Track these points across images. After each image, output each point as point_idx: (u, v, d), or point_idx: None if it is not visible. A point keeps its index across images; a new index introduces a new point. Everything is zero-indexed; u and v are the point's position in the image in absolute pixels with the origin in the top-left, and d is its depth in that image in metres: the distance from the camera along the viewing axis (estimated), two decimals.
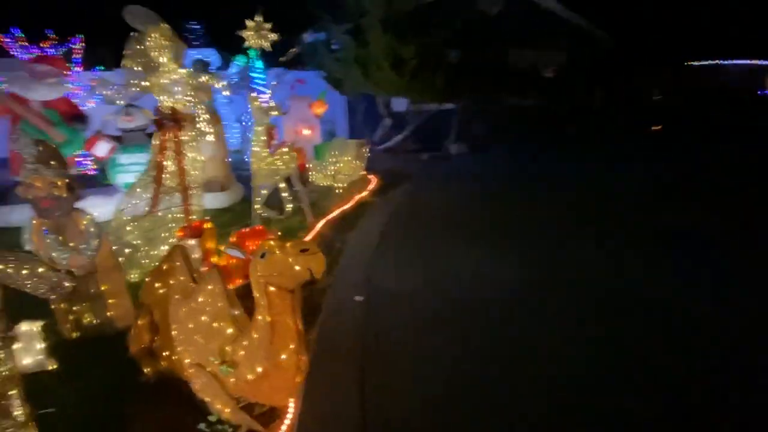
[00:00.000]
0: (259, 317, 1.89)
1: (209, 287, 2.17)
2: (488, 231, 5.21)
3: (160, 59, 3.35)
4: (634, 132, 12.00)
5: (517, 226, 5.36)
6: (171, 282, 2.33)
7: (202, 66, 5.91)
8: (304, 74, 10.72)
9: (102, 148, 5.44)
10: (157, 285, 2.40)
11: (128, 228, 3.66)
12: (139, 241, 3.82)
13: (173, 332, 2.26)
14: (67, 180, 2.63)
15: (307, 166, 5.99)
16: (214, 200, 5.94)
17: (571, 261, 4.26)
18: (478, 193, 7.25)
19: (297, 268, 1.75)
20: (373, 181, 7.52)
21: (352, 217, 5.67)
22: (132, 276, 3.54)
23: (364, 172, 7.31)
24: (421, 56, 8.88)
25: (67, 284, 1.83)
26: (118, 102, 4.69)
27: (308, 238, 4.78)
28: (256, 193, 4.85)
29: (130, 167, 5.59)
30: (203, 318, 2.17)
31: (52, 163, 2.57)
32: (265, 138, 4.57)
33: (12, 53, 7.35)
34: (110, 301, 2.90)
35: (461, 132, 10.78)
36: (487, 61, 9.59)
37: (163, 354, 2.37)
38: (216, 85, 3.61)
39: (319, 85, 10.38)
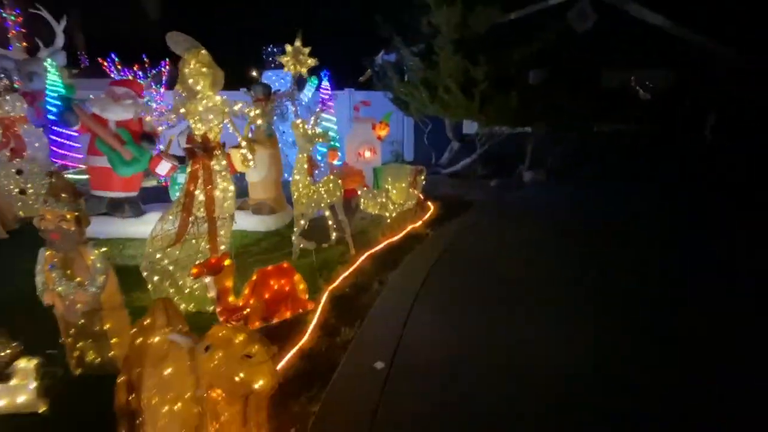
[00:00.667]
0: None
1: (177, 362, 1.84)
2: (559, 286, 4.35)
3: (197, 86, 3.24)
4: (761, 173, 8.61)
5: (599, 283, 4.40)
6: (148, 342, 2.05)
7: (263, 90, 5.91)
8: (369, 95, 10.63)
9: (163, 167, 5.62)
10: (137, 341, 2.14)
11: (158, 255, 3.57)
12: (172, 268, 3.73)
13: (142, 401, 1.96)
14: (76, 213, 2.52)
15: (358, 192, 5.66)
16: (261, 223, 5.89)
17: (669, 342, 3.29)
18: (550, 231, 6.30)
19: (237, 378, 1.31)
20: (431, 210, 6.99)
21: (399, 252, 5.18)
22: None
23: (422, 199, 6.82)
24: (495, 77, 8.21)
25: None
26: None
27: (347, 272, 4.40)
28: (297, 222, 4.61)
29: None
30: (168, 396, 1.84)
31: (63, 195, 2.48)
32: (308, 166, 4.31)
33: (111, 75, 8.19)
34: (113, 340, 2.74)
35: (538, 158, 9.79)
36: (574, 81, 8.58)
37: (138, 419, 2.10)
38: (250, 115, 3.43)
39: (385, 107, 10.18)
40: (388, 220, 5.75)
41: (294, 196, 4.41)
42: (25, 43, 9.20)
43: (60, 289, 2.53)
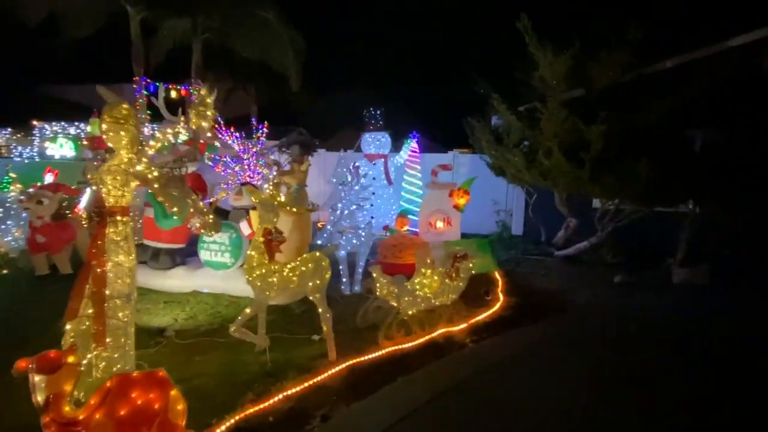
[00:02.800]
0: None
1: None
2: None
3: (109, 143, 2.85)
4: None
5: None
6: None
7: (300, 150, 5.49)
8: (447, 158, 9.39)
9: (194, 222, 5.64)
10: None
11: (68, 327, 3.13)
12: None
13: None
14: None
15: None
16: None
17: None
18: (692, 386, 3.79)
19: None
20: (494, 308, 5.21)
21: (394, 369, 3.72)
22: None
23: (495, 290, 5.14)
24: (620, 138, 6.09)
25: None
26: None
27: (281, 394, 3.20)
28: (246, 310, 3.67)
29: (211, 245, 5.56)
30: None
31: None
32: (265, 241, 3.45)
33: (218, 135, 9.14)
34: None
35: (696, 249, 6.77)
36: (752, 143, 5.72)
37: None
38: (149, 177, 2.84)
39: (472, 172, 8.80)
40: (402, 316, 4.34)
41: (245, 276, 3.57)
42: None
43: None
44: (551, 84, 6.69)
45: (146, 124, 12.62)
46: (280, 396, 3.22)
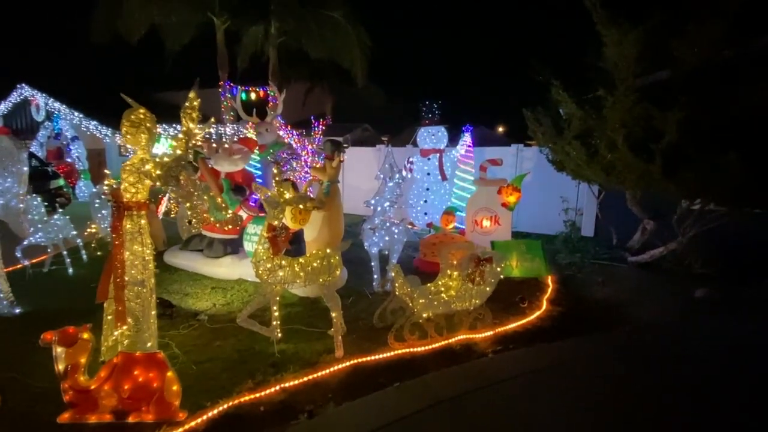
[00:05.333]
0: None
1: None
2: None
3: (127, 145, 3.17)
4: None
5: None
6: None
7: (331, 147, 5.52)
8: (500, 153, 8.62)
9: (240, 217, 6.07)
10: None
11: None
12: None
13: None
14: None
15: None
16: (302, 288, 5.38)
17: None
18: None
19: None
20: (530, 317, 4.77)
21: (397, 372, 3.59)
22: None
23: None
24: (698, 128, 5.12)
25: None
26: None
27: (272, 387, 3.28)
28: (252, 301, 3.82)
29: (253, 237, 5.91)
30: None
31: None
32: (269, 236, 3.55)
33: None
34: None
35: None
36: None
37: None
38: (154, 174, 3.06)
39: (539, 167, 8.07)
40: (416, 319, 4.16)
41: (254, 270, 3.71)
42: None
43: None
44: (621, 66, 5.84)
45: (228, 124, 13.93)
46: (276, 388, 3.32)
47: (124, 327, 3.28)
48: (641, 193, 6.77)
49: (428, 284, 4.30)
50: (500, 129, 21.82)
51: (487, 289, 4.41)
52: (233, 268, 6.03)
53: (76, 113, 15.68)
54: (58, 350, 2.83)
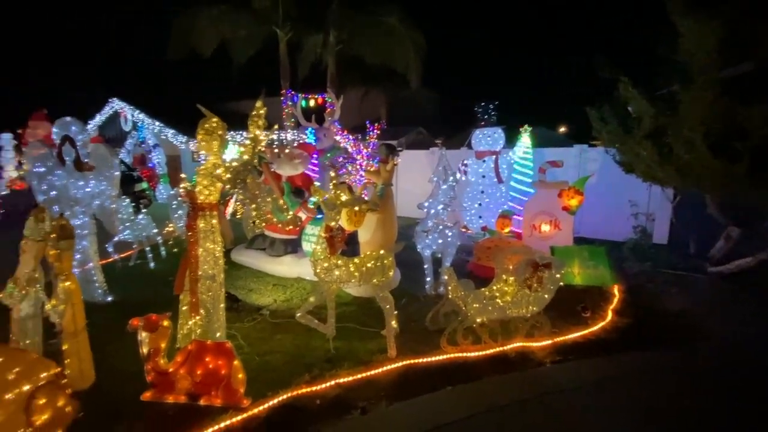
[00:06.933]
0: None
1: None
2: None
3: (201, 151, 3.47)
4: None
5: None
6: None
7: (386, 150, 5.61)
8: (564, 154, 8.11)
9: (299, 218, 6.37)
10: None
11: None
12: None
13: None
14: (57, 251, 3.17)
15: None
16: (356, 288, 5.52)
17: None
18: None
19: None
20: (593, 327, 4.52)
21: (443, 380, 3.58)
22: None
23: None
24: None
25: None
26: None
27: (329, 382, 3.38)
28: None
29: (311, 237, 6.17)
30: None
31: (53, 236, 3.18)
32: (327, 236, 3.70)
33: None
34: (66, 360, 3.22)
35: None
36: None
37: None
38: (224, 177, 3.30)
39: (605, 168, 7.59)
40: (470, 323, 4.10)
41: (311, 268, 3.88)
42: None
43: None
44: (700, 58, 5.36)
45: (288, 130, 14.62)
46: (332, 383, 3.45)
47: (197, 317, 3.59)
48: (724, 197, 6.15)
49: (482, 289, 4.24)
50: (562, 129, 20.81)
51: (546, 296, 4.25)
52: (292, 267, 6.34)
53: (156, 123, 17.30)
54: (143, 335, 3.17)
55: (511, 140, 9.18)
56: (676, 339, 4.40)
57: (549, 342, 4.20)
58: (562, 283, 4.40)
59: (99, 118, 19.52)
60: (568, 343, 4.24)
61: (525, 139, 8.44)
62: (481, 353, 3.95)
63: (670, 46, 5.88)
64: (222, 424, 2.88)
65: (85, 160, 4.81)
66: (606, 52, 6.72)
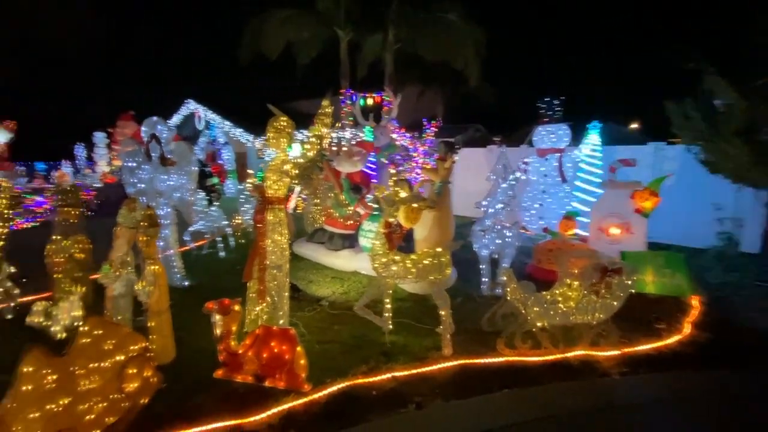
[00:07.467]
0: None
1: None
2: None
3: (269, 148, 3.68)
4: None
5: None
6: None
7: (444, 148, 5.58)
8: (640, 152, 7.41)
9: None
10: None
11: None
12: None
13: None
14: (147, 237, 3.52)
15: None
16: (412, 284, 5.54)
17: None
18: None
19: None
20: (668, 340, 4.18)
21: (500, 383, 3.50)
22: None
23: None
24: None
25: None
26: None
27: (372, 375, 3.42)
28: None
29: (368, 233, 6.29)
30: None
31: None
32: (385, 232, 3.75)
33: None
34: (151, 336, 3.58)
35: None
36: None
37: None
38: (292, 173, 3.44)
39: (685, 168, 6.94)
40: (530, 327, 3.97)
41: (370, 263, 3.96)
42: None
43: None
44: None
45: (347, 129, 14.98)
46: (389, 375, 3.51)
47: (264, 304, 3.83)
48: None
49: (544, 292, 4.08)
50: (634, 125, 19.31)
51: (614, 303, 4.00)
52: (349, 261, 6.51)
53: (226, 122, 18.51)
54: (217, 317, 3.44)
55: (577, 137, 8.72)
56: (762, 360, 3.95)
57: (617, 352, 3.95)
58: (633, 291, 4.12)
59: (176, 118, 21.28)
60: (638, 355, 3.96)
61: (593, 137, 7.96)
62: (540, 359, 3.81)
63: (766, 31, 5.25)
64: (285, 406, 3.05)
65: (168, 156, 5.30)
66: (687, 41, 6.15)
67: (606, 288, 3.93)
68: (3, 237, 4.52)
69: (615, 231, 6.16)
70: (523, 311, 3.98)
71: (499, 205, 5.43)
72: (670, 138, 9.06)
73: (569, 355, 3.88)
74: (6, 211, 4.49)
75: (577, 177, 8.13)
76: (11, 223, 4.64)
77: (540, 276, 5.94)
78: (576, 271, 4.08)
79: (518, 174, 5.71)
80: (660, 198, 5.85)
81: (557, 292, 4.07)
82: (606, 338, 4.03)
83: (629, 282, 3.97)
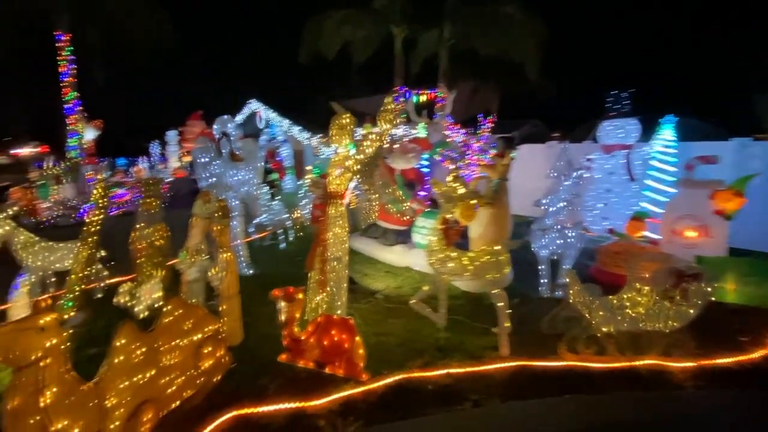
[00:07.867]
0: None
1: None
2: None
3: (333, 144, 3.80)
4: None
5: None
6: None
7: (503, 145, 5.44)
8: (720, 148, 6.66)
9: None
10: None
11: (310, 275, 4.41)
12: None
13: None
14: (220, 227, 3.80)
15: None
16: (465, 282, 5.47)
17: None
18: None
19: None
20: (752, 354, 3.82)
21: (561, 387, 3.38)
22: None
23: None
24: None
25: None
26: None
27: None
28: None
29: (421, 230, 6.30)
30: None
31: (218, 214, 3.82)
32: (443, 228, 3.74)
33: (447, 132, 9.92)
34: (222, 319, 3.86)
35: None
36: None
37: None
38: (354, 168, 3.51)
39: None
40: (595, 332, 3.78)
41: (427, 258, 3.96)
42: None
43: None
44: None
45: (400, 126, 15.05)
46: (444, 371, 3.52)
47: (323, 294, 3.99)
48: None
49: (610, 296, 3.88)
50: (713, 120, 17.58)
51: (691, 311, 3.72)
52: (402, 256, 6.57)
53: (285, 121, 19.29)
54: (282, 304, 3.63)
55: (647, 133, 8.12)
56: None
57: (692, 364, 3.66)
58: (711, 299, 3.80)
59: (240, 117, 22.50)
60: (717, 368, 3.64)
61: (666, 132, 7.38)
62: (605, 365, 3.63)
63: None
64: (345, 393, 3.17)
65: (237, 152, 5.66)
66: None
67: (681, 295, 3.65)
68: (97, 224, 5.06)
69: (691, 234, 5.69)
70: (587, 315, 3.81)
71: (561, 204, 5.21)
72: (758, 133, 8.18)
73: (638, 363, 3.66)
74: (101, 201, 5.02)
75: (647, 175, 7.58)
76: (105, 211, 5.18)
77: (604, 279, 5.62)
78: (647, 276, 3.83)
79: (582, 171, 5.44)
80: (745, 199, 5.32)
81: (625, 296, 3.86)
82: (679, 348, 3.74)
83: (709, 289, 3.67)
